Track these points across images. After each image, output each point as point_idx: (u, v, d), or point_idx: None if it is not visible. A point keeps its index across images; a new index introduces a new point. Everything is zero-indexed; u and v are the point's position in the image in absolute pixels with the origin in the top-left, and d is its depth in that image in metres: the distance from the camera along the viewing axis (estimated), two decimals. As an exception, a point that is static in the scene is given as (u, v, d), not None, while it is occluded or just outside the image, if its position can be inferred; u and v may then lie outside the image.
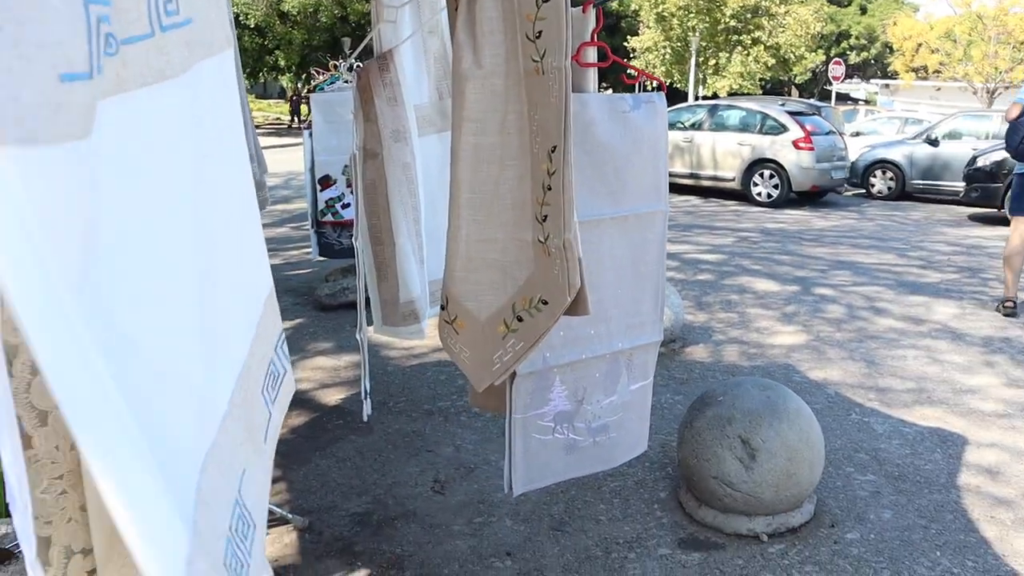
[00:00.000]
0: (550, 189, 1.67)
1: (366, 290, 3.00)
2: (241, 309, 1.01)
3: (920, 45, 27.06)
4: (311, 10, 28.47)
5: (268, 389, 1.08)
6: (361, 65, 2.93)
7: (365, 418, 3.24)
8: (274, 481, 3.44)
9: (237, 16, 27.51)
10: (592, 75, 2.01)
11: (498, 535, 3.00)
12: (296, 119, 31.62)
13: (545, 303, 1.74)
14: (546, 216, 1.69)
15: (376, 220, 3.03)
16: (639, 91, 2.17)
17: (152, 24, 0.76)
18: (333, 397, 4.37)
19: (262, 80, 37.05)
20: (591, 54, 1.97)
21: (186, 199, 0.83)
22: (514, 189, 1.77)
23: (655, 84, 2.14)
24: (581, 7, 1.97)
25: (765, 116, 12.42)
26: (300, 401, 4.30)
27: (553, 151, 1.65)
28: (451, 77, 1.84)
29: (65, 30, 0.54)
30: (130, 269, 0.69)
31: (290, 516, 3.08)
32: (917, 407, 4.24)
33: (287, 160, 16.75)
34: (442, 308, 1.93)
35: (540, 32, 1.63)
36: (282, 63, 30.27)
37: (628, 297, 2.13)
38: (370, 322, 3.08)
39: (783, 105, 13.28)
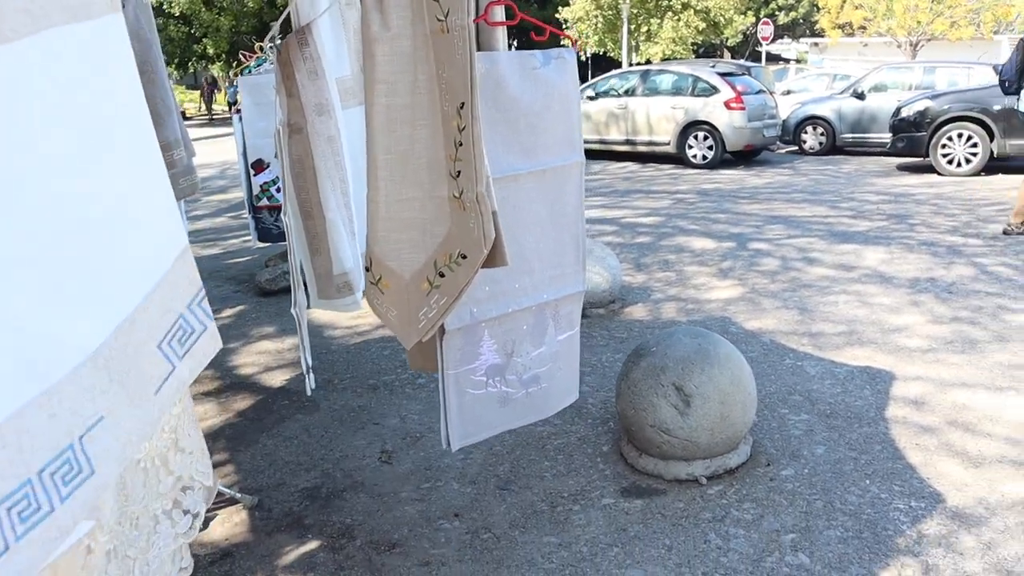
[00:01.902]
0: (461, 145, 1.71)
1: (300, 267, 3.00)
2: (127, 268, 1.03)
3: (844, 2, 27.50)
4: (237, -5, 27.89)
5: (172, 343, 1.11)
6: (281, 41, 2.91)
7: (308, 392, 3.25)
8: (222, 463, 3.46)
9: (160, 4, 26.79)
10: (501, 33, 2.05)
11: (446, 498, 3.05)
12: (206, 108, 31.43)
13: (464, 257, 1.78)
14: (459, 172, 1.73)
15: (305, 195, 3.03)
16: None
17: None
18: (278, 379, 4.36)
19: (192, 70, 36.20)
20: (499, 12, 2.01)
21: (28, 160, 0.86)
22: (428, 148, 1.81)
23: (567, 42, 2.18)
24: (485, -33, 2.00)
25: (696, 79, 12.57)
26: (245, 385, 4.29)
27: (462, 108, 1.68)
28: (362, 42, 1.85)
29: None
30: None
31: (238, 495, 3.10)
32: (847, 348, 4.40)
33: (221, 151, 16.46)
34: (367, 270, 1.96)
35: (441, -10, 1.66)
36: (211, 51, 29.59)
37: (550, 249, 2.18)
38: (307, 299, 3.08)
39: (714, 67, 13.45)
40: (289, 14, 2.91)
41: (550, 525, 2.83)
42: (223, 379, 4.40)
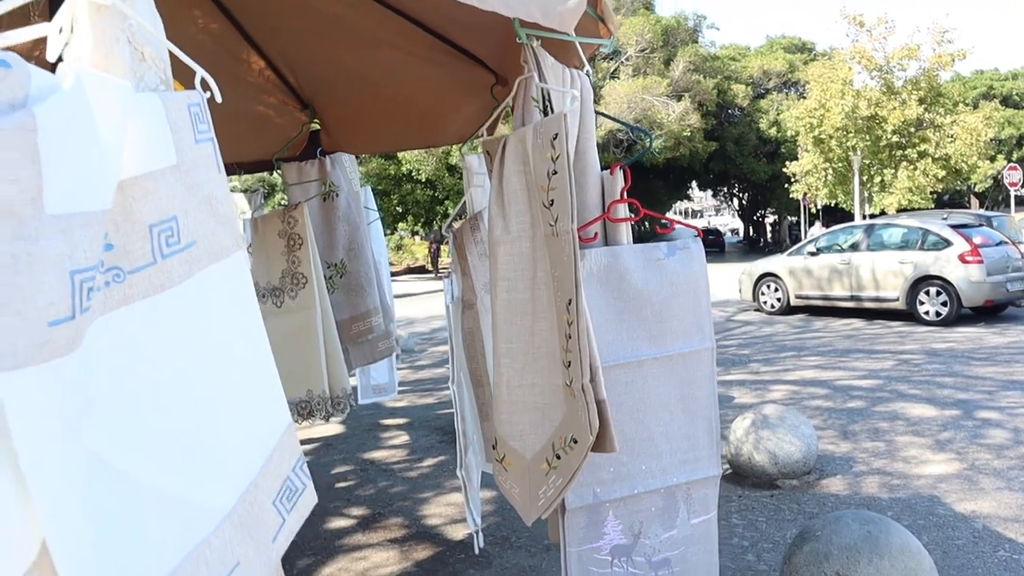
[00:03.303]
0: (570, 338, 1.86)
1: (463, 431, 3.22)
2: (249, 444, 1.29)
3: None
4: (476, 161, 30.56)
5: (283, 500, 1.35)
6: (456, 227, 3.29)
7: (476, 551, 3.40)
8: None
9: (409, 172, 29.92)
10: (624, 228, 2.22)
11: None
12: (432, 264, 34.00)
13: (575, 441, 1.89)
14: (569, 362, 1.88)
15: (475, 364, 3.30)
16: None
17: (155, 255, 1.07)
18: (461, 532, 4.55)
19: (437, 227, 39.82)
20: (621, 210, 2.19)
21: (183, 373, 1.12)
22: (547, 339, 1.98)
23: (691, 232, 2.31)
24: (609, 170, 2.21)
25: (926, 232, 11.94)
26: (429, 536, 4.51)
27: (569, 304, 1.85)
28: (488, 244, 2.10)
29: (55, 294, 0.84)
30: (121, 433, 0.97)
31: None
32: (1079, 543, 3.87)
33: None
34: (493, 447, 2.12)
35: (552, 200, 1.87)
36: (451, 212, 32.44)
37: (680, 433, 2.23)
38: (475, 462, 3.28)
39: (946, 219, 12.72)
40: (464, 203, 3.29)
41: None
42: (410, 527, 4.66)
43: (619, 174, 2.20)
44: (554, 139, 1.89)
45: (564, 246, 1.86)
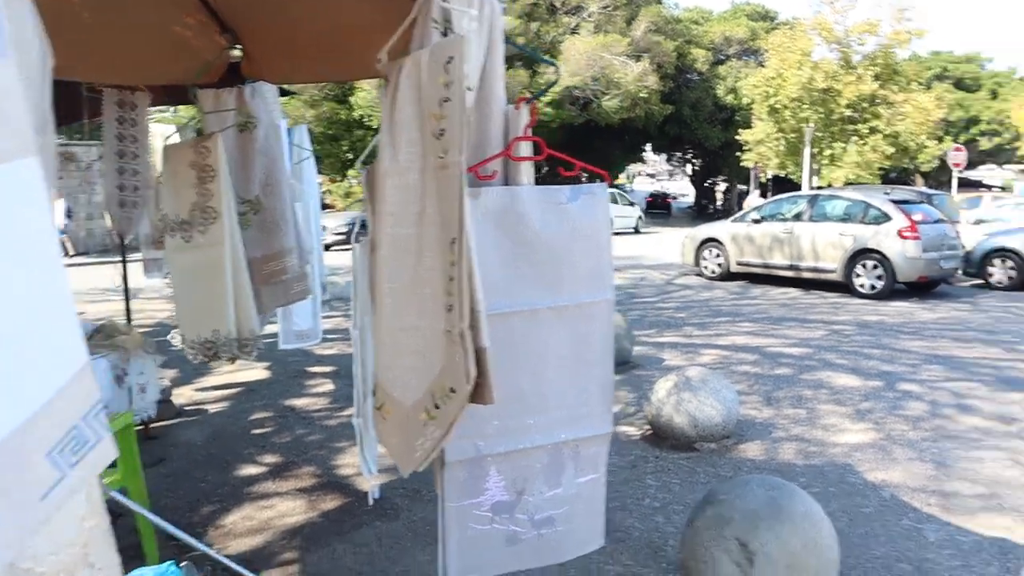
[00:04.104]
0: (451, 280, 1.72)
1: (361, 375, 3.08)
2: (17, 383, 1.12)
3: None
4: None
5: (64, 452, 1.18)
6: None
7: (370, 502, 3.29)
8: (289, 562, 3.55)
9: (361, 118, 29.21)
10: (526, 168, 2.07)
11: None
12: None
13: (453, 391, 1.77)
14: (451, 306, 1.74)
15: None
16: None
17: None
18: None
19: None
20: (524, 148, 2.04)
21: None
22: (431, 280, 1.84)
23: (599, 176, 2.18)
24: (514, 104, 2.06)
25: (868, 206, 12.04)
26: (341, 486, 4.39)
27: (453, 243, 1.71)
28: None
29: None
30: None
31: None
32: (982, 514, 3.91)
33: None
34: (373, 394, 1.99)
35: (443, 130, 1.72)
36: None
37: (572, 387, 2.12)
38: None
39: (888, 194, 12.84)
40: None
41: (586, 677, 2.65)
42: (322, 477, 4.54)
43: (524, 109, 2.05)
44: (448, 63, 1.73)
45: (452, 181, 1.71)
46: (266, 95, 4.11)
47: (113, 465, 3.34)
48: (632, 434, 5.34)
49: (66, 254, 17.38)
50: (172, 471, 4.80)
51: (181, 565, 3.12)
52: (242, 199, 3.93)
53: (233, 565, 3.17)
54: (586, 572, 3.39)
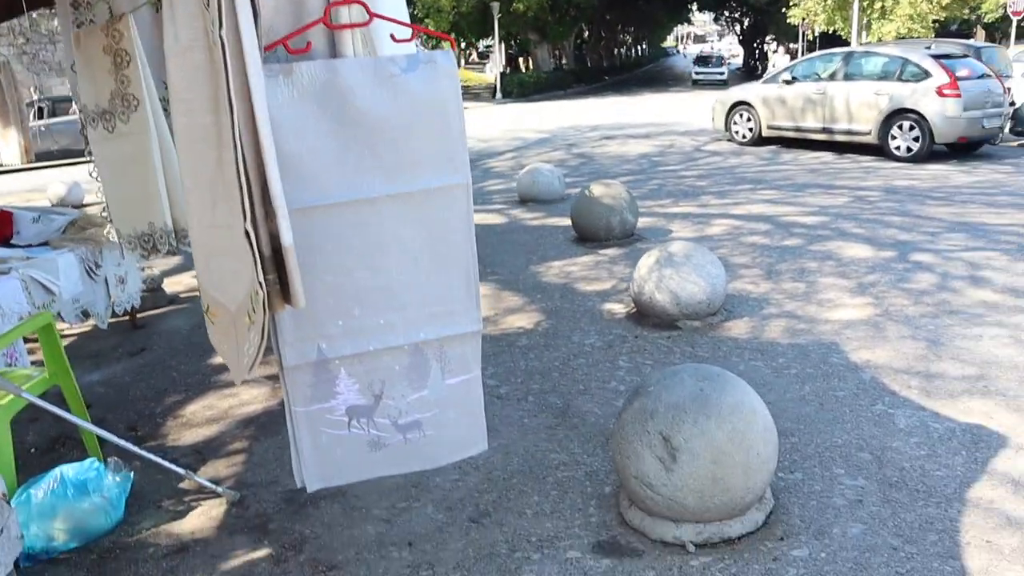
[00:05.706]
0: (239, 172, 1.51)
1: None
2: None
3: None
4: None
5: None
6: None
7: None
8: (239, 451, 3.52)
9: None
10: (349, 36, 1.79)
11: (412, 522, 2.87)
12: None
13: (257, 294, 1.59)
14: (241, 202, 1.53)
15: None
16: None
17: None
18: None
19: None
20: (344, 14, 1.75)
21: None
22: (234, 172, 1.62)
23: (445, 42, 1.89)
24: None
25: (906, 62, 11.18)
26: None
27: (234, 128, 1.48)
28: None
29: None
30: None
31: (220, 490, 3.10)
32: (963, 399, 3.67)
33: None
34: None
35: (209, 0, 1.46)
36: (432, 28, 30.88)
37: (429, 283, 1.91)
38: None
39: (929, 48, 11.91)
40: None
41: (496, 573, 2.57)
42: (287, 364, 4.48)
43: (350, -35, 1.75)
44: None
45: (229, 59, 1.47)
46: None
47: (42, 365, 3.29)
48: (618, 312, 5.15)
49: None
50: (149, 361, 4.79)
51: (108, 461, 3.11)
52: (165, 83, 3.68)
53: (160, 460, 3.15)
54: (530, 459, 3.29)
